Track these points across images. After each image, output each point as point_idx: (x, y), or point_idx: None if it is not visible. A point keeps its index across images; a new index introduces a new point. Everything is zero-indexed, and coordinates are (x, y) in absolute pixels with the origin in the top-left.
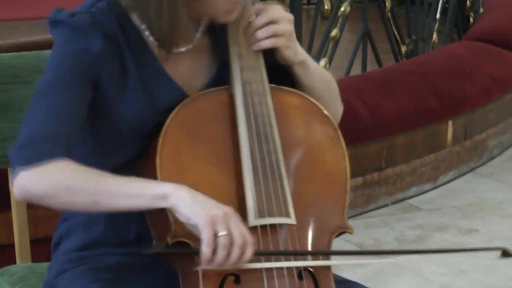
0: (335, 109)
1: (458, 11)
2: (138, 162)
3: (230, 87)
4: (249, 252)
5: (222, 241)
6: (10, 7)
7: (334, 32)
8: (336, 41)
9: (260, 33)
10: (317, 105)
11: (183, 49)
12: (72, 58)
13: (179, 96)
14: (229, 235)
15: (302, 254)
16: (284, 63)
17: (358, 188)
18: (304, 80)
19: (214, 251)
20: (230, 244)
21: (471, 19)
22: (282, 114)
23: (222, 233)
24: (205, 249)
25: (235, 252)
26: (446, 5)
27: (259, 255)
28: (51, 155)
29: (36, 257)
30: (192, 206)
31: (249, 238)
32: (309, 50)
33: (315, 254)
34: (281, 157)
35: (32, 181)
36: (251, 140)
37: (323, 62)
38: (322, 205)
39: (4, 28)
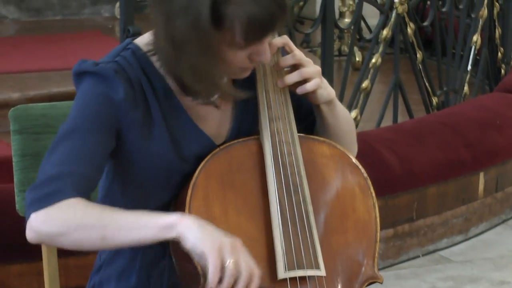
0: (353, 148)
1: (489, 63)
2: (169, 211)
3: (259, 136)
4: (255, 284)
5: (229, 270)
6: (43, 58)
7: (365, 84)
8: (367, 93)
9: (290, 77)
10: (346, 154)
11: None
12: (94, 104)
13: (207, 145)
14: (236, 264)
15: None
16: (315, 103)
17: (389, 239)
18: (329, 119)
19: (220, 280)
20: (237, 274)
21: (503, 71)
22: (311, 163)
23: (229, 261)
24: (212, 277)
25: (242, 283)
26: (478, 57)
27: None
28: (60, 194)
29: None
30: (199, 233)
31: (256, 270)
32: (340, 101)
33: None
34: (310, 207)
35: (43, 221)
36: (280, 191)
37: (354, 113)
38: (352, 256)
39: (36, 78)
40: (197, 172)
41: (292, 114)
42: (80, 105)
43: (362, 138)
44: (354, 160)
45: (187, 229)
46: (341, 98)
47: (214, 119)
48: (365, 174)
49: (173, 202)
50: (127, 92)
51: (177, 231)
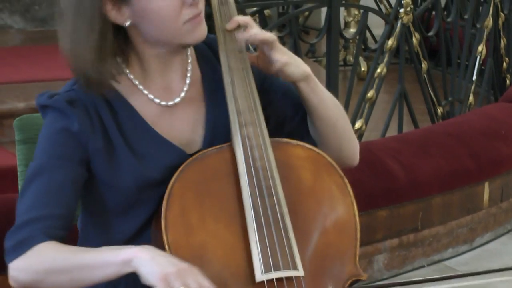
0: (352, 144)
1: (494, 73)
2: (150, 228)
3: (231, 143)
4: None
5: None
6: (48, 68)
7: (370, 93)
8: (373, 102)
9: (240, 34)
10: (321, 155)
11: (171, 103)
12: (56, 140)
13: (178, 155)
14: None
15: None
16: (289, 80)
17: (394, 249)
18: (313, 99)
19: None
20: None
21: (508, 81)
22: (286, 166)
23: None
24: None
25: None
26: (483, 67)
27: None
28: (30, 241)
29: None
30: (149, 267)
31: (209, 286)
32: (345, 111)
33: None
34: (285, 209)
35: (19, 271)
36: (254, 195)
37: (359, 123)
38: (333, 254)
39: (42, 88)
40: (171, 183)
41: (263, 118)
42: (43, 143)
43: (367, 148)
44: (329, 159)
45: (140, 263)
46: (346, 107)
47: (183, 126)
48: (342, 173)
49: (154, 218)
50: (82, 122)
51: (133, 266)
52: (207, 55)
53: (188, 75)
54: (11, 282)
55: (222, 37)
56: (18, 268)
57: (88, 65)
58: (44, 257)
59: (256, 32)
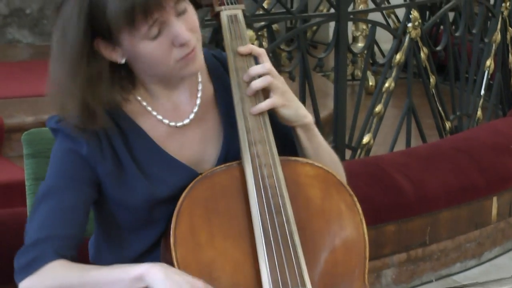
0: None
1: (502, 88)
2: (159, 246)
3: (241, 161)
4: None
5: None
6: None
7: (378, 108)
8: (381, 117)
9: (255, 83)
10: (330, 173)
11: (179, 124)
12: (66, 162)
13: (188, 174)
14: None
15: None
16: (286, 124)
17: (402, 264)
18: (307, 148)
19: None
20: None
21: None
22: (295, 184)
23: None
24: None
25: None
26: (491, 82)
27: None
28: (41, 260)
29: None
30: (162, 284)
31: None
32: (353, 126)
33: None
34: (294, 227)
35: None
36: (263, 213)
37: (367, 137)
38: (342, 272)
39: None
40: (180, 200)
41: (272, 137)
42: (54, 164)
43: (375, 163)
44: (338, 178)
45: (153, 280)
46: (354, 122)
47: (193, 147)
48: (351, 192)
49: (163, 235)
50: (91, 146)
51: (146, 282)
52: (220, 71)
53: (199, 95)
54: None
55: (232, 55)
56: (28, 287)
57: (80, 100)
58: (56, 274)
59: (258, 80)
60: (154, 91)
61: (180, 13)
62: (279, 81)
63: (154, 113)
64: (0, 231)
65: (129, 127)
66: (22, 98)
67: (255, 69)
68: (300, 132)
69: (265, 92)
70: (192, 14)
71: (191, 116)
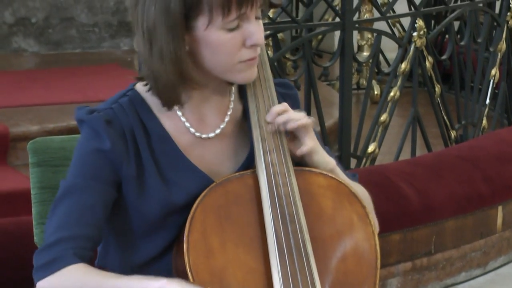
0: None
1: (508, 97)
2: (171, 251)
3: (255, 170)
4: None
5: None
6: (62, 91)
7: (383, 117)
8: (386, 126)
9: (280, 118)
10: (343, 184)
11: (204, 136)
12: (89, 159)
13: (205, 183)
14: None
15: None
16: (312, 167)
17: (408, 273)
18: None
19: None
20: None
21: None
22: (308, 194)
23: None
24: None
25: None
26: (496, 91)
27: None
28: (61, 262)
29: None
30: None
31: None
32: (358, 135)
33: None
34: (307, 236)
35: None
36: (276, 221)
37: (372, 146)
38: (352, 282)
39: (56, 111)
40: (194, 207)
41: (287, 146)
42: (76, 163)
43: (381, 172)
44: (351, 189)
45: None
46: (359, 131)
47: (213, 160)
48: (363, 203)
49: (176, 242)
50: (116, 143)
51: None
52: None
53: (228, 113)
54: None
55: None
56: (46, 286)
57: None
58: (75, 278)
59: (294, 117)
60: (189, 97)
61: (258, 17)
62: (304, 117)
63: (183, 119)
64: (5, 239)
65: (154, 129)
66: (28, 107)
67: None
68: None
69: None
70: (262, 25)
71: (217, 131)
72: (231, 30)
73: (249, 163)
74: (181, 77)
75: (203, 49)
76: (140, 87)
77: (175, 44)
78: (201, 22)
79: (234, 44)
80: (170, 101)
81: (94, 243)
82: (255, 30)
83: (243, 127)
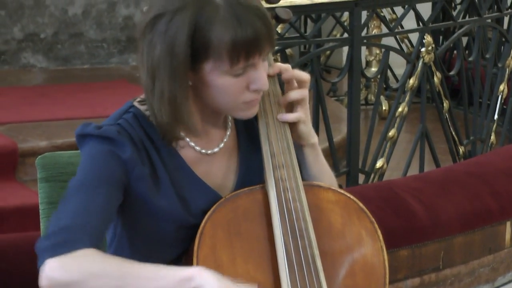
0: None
1: None
2: (179, 264)
3: (264, 185)
4: None
5: None
6: (70, 106)
7: (391, 133)
8: (394, 141)
9: (293, 94)
10: (351, 199)
11: (210, 151)
12: (101, 160)
13: (213, 198)
14: None
15: None
16: (298, 141)
17: None
18: (313, 165)
19: None
20: None
21: None
22: (317, 209)
23: None
24: None
25: None
26: (504, 106)
27: None
28: (76, 244)
29: None
30: (217, 286)
31: None
32: (366, 150)
33: None
34: (316, 251)
35: (58, 269)
36: (286, 236)
37: (380, 162)
38: None
39: (64, 127)
40: (203, 222)
41: (296, 161)
42: (88, 162)
43: (389, 187)
44: (360, 204)
45: (206, 281)
46: (367, 147)
47: (218, 172)
48: (372, 218)
49: (184, 256)
50: (132, 150)
51: (195, 283)
52: None
53: (229, 126)
54: (43, 280)
55: None
56: (57, 266)
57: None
58: (94, 260)
59: (294, 71)
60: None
61: (264, 59)
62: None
63: (187, 139)
64: (13, 254)
65: (162, 143)
66: (36, 123)
67: (290, 97)
68: (307, 151)
69: (289, 109)
70: (267, 66)
71: (221, 145)
72: (237, 75)
73: (246, 177)
74: (177, 121)
75: (206, 88)
76: (139, 105)
77: (177, 87)
78: (207, 66)
79: (238, 88)
80: (167, 137)
81: (101, 237)
82: (260, 76)
83: (237, 140)
